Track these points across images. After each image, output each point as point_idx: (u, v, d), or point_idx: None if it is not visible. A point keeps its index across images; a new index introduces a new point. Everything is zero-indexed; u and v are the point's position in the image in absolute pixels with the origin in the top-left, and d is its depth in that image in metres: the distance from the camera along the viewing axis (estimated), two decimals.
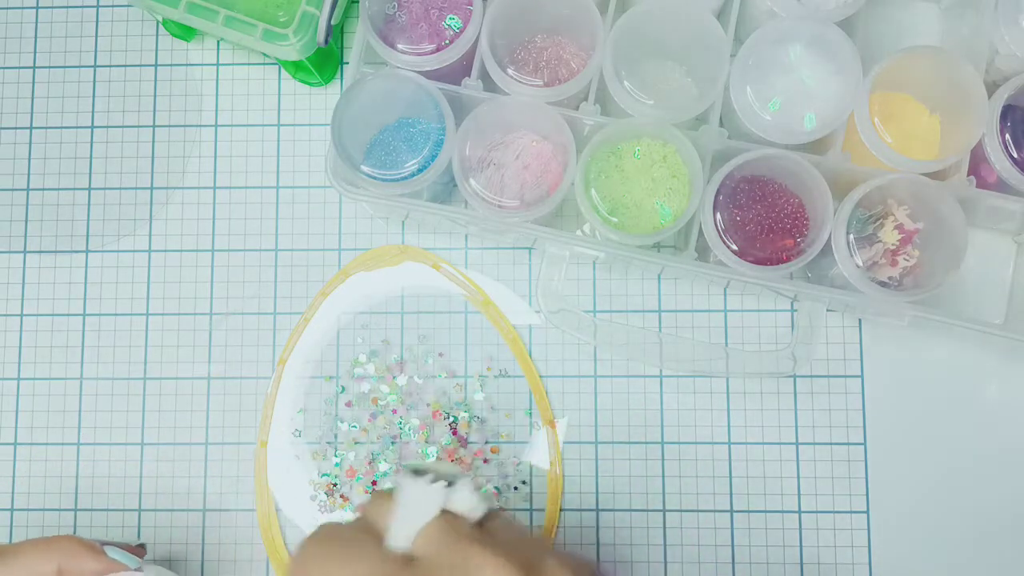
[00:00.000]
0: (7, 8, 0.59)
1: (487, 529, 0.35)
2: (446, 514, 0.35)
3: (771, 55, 0.50)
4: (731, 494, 0.53)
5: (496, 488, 0.53)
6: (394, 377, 0.54)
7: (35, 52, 0.59)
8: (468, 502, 0.35)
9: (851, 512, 0.53)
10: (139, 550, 0.47)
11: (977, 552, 0.53)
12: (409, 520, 0.35)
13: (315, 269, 0.56)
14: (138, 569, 0.45)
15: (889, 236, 0.49)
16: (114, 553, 0.44)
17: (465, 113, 0.50)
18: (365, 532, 0.35)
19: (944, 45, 0.55)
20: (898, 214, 0.49)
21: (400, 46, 0.50)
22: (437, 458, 0.53)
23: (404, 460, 0.54)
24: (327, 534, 0.35)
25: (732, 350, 0.52)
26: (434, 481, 0.35)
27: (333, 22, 0.51)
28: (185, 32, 0.57)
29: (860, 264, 0.49)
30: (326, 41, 0.51)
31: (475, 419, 0.54)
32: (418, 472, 0.35)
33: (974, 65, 0.49)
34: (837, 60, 0.49)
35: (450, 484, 0.35)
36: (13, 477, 0.55)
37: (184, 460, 0.55)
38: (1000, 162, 0.49)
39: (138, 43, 0.58)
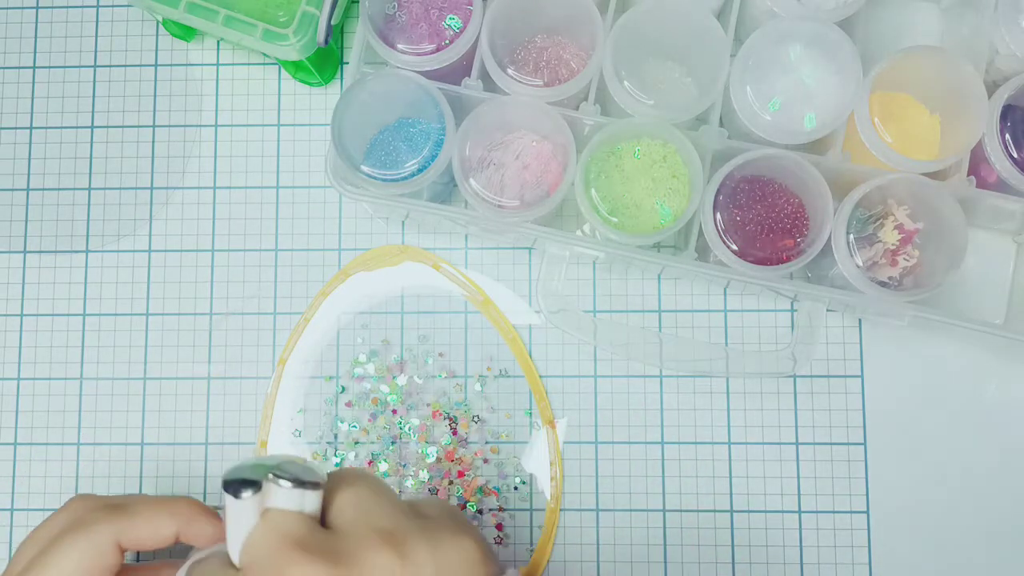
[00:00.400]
0: (7, 8, 0.59)
1: (331, 522, 0.33)
2: (272, 515, 0.33)
3: (771, 55, 0.50)
4: (731, 494, 0.53)
5: (496, 488, 0.53)
6: (394, 377, 0.55)
7: (35, 52, 0.59)
8: (288, 500, 0.33)
9: (851, 512, 0.53)
10: None
11: (977, 552, 0.53)
12: (235, 537, 0.33)
13: (315, 269, 0.56)
14: None
15: (889, 236, 0.49)
16: None
17: (465, 113, 0.50)
18: (223, 562, 0.34)
19: (944, 45, 0.55)
20: (898, 214, 0.49)
21: (400, 46, 0.50)
22: (437, 458, 0.53)
23: (404, 460, 0.54)
24: (200, 563, 0.35)
25: (732, 350, 0.52)
26: (237, 495, 0.32)
27: (333, 22, 0.51)
28: (185, 32, 0.57)
29: (860, 264, 0.49)
30: (326, 41, 0.52)
31: (475, 419, 0.54)
32: (228, 483, 0.33)
33: (974, 65, 0.49)
34: (837, 60, 0.49)
35: (258, 489, 0.32)
36: (13, 477, 0.55)
37: (184, 460, 0.55)
38: (1000, 162, 0.49)
39: (138, 43, 0.58)
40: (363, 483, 0.35)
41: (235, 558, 0.33)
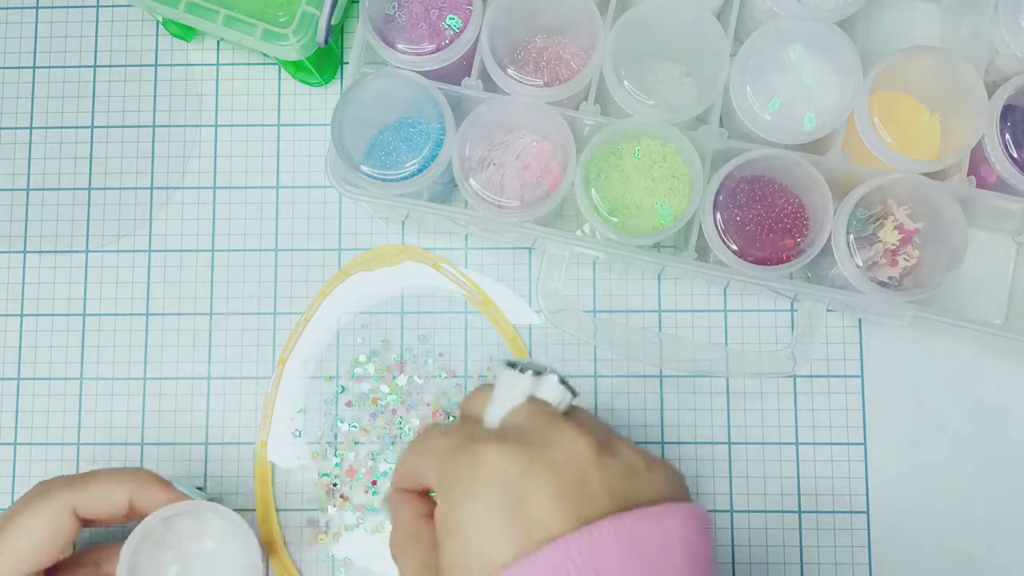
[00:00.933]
0: (7, 8, 0.59)
1: (572, 416, 0.38)
2: (534, 401, 0.38)
3: (771, 55, 0.50)
4: (731, 494, 0.53)
5: None
6: (394, 377, 0.55)
7: (35, 52, 0.59)
8: (554, 392, 0.39)
9: (851, 512, 0.53)
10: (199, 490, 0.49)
11: (977, 552, 0.53)
12: (501, 405, 0.38)
13: (315, 269, 0.56)
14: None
15: (889, 236, 0.49)
16: (181, 487, 0.46)
17: (465, 113, 0.50)
18: (463, 419, 0.40)
19: (944, 45, 0.55)
20: (898, 214, 0.49)
21: (400, 46, 0.50)
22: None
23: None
24: (432, 426, 0.40)
25: (732, 350, 0.52)
26: (523, 371, 0.38)
27: (333, 22, 0.51)
28: (185, 32, 0.57)
29: (860, 264, 0.49)
30: (326, 41, 0.52)
31: None
32: (511, 364, 0.39)
33: (974, 65, 0.49)
34: (837, 60, 0.49)
35: (538, 374, 0.38)
36: (13, 477, 0.55)
37: (184, 460, 0.55)
38: (1000, 162, 0.49)
39: (138, 43, 0.58)
40: (584, 408, 0.41)
41: (494, 423, 0.38)
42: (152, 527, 0.45)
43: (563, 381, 0.39)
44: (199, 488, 0.51)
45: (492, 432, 0.37)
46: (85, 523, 0.46)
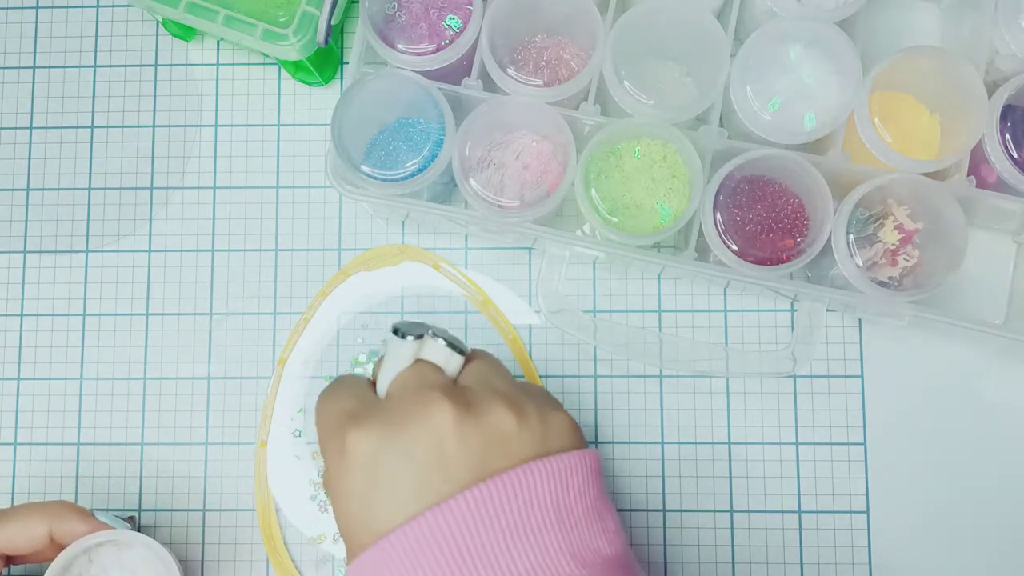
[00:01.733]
0: (7, 8, 0.59)
1: (459, 382, 0.39)
2: (421, 364, 0.39)
3: (771, 55, 0.50)
4: (731, 494, 0.53)
5: None
6: None
7: (35, 52, 0.59)
8: (440, 354, 0.39)
9: (851, 512, 0.53)
10: (130, 521, 0.49)
11: (977, 552, 0.53)
12: (388, 370, 0.39)
13: (315, 269, 0.56)
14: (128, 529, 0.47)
15: (889, 236, 0.49)
16: (103, 517, 0.46)
17: (465, 113, 0.50)
18: (367, 383, 0.40)
19: (944, 45, 0.55)
20: (898, 214, 0.49)
21: (400, 46, 0.50)
22: None
23: None
24: (342, 377, 0.41)
25: (732, 350, 0.52)
26: (404, 336, 0.38)
27: (333, 22, 0.51)
28: (185, 32, 0.57)
29: (860, 264, 0.49)
30: (326, 41, 0.52)
31: None
32: (395, 329, 0.39)
33: (974, 65, 0.49)
34: (837, 60, 0.49)
35: (420, 337, 0.39)
36: (13, 477, 0.55)
37: (184, 460, 0.55)
38: (1000, 162, 0.49)
39: (138, 43, 0.58)
40: (488, 359, 0.41)
41: (382, 390, 0.39)
42: (72, 557, 0.45)
43: (449, 343, 0.39)
44: (127, 518, 0.50)
45: (365, 411, 0.37)
46: (8, 560, 0.45)
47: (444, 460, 0.35)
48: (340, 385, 0.40)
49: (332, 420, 0.38)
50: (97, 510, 0.47)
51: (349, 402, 0.39)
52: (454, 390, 0.38)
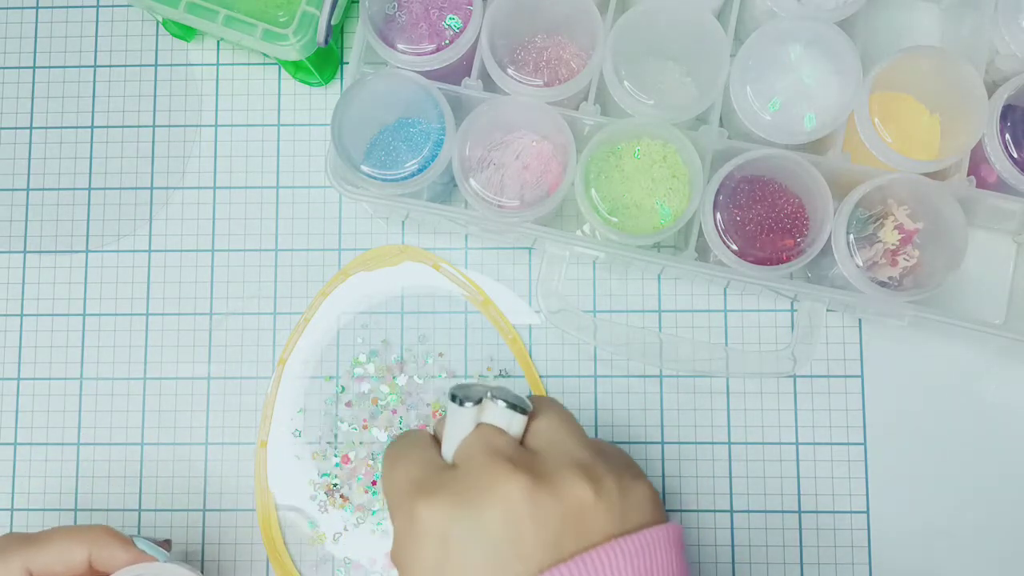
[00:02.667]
0: (7, 8, 0.59)
1: (527, 443, 0.38)
2: (484, 428, 0.37)
3: (771, 55, 0.50)
4: (731, 494, 0.53)
5: None
6: (394, 377, 0.55)
7: (35, 52, 0.59)
8: (501, 417, 0.38)
9: (851, 512, 0.53)
10: (165, 545, 0.48)
11: (977, 552, 0.53)
12: (451, 437, 0.38)
13: (315, 269, 0.56)
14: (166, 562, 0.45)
15: (889, 236, 0.49)
16: (142, 544, 0.45)
17: (465, 113, 0.50)
18: (433, 441, 0.39)
19: (944, 45, 0.55)
20: (898, 214, 0.49)
21: (400, 46, 0.50)
22: None
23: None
24: (407, 435, 0.40)
25: (732, 350, 0.52)
26: (462, 403, 0.38)
27: (333, 22, 0.51)
28: (185, 32, 0.57)
29: (860, 264, 0.49)
30: (326, 41, 0.52)
31: None
32: (453, 395, 0.38)
33: (974, 65, 0.49)
34: (837, 60, 0.49)
35: (478, 402, 0.38)
36: (13, 477, 0.55)
37: (184, 460, 0.55)
38: (1000, 162, 0.49)
39: (138, 43, 0.58)
40: (557, 414, 0.39)
41: (448, 456, 0.38)
42: None
43: (510, 404, 0.37)
44: (163, 542, 0.49)
45: (433, 480, 0.36)
46: None
47: (518, 537, 0.34)
48: (407, 446, 0.39)
49: (401, 489, 0.37)
50: (135, 537, 0.45)
51: (417, 469, 0.37)
52: (524, 457, 0.36)
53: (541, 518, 0.34)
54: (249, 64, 0.58)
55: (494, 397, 0.38)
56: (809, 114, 0.49)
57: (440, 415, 0.54)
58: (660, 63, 0.53)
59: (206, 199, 0.57)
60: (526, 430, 0.38)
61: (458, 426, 0.38)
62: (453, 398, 0.38)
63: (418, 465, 0.38)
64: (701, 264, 0.50)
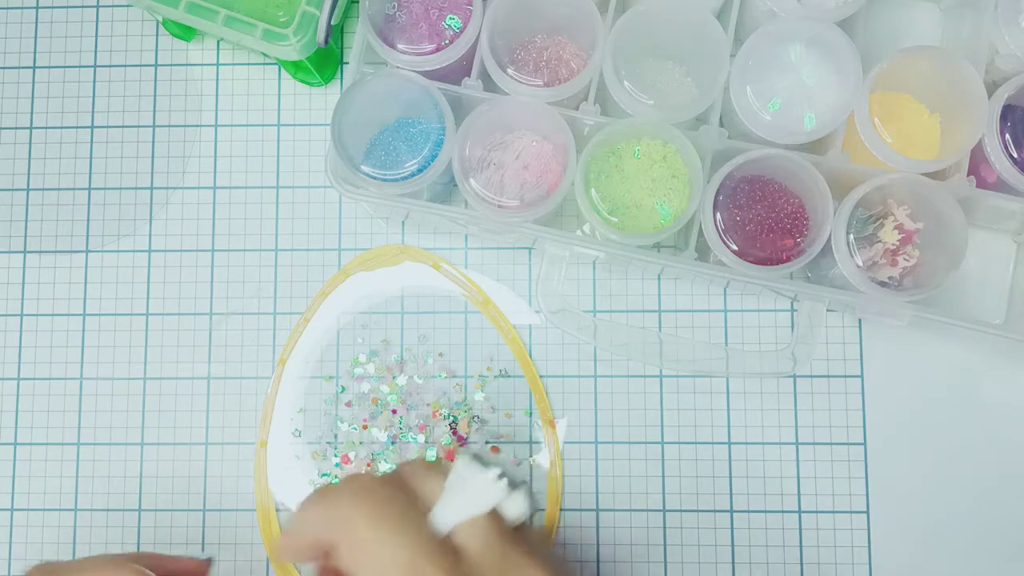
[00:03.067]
0: (7, 8, 0.59)
1: (525, 536, 0.35)
2: (493, 516, 0.34)
3: (771, 55, 0.50)
4: (731, 494, 0.53)
5: None
6: (394, 377, 0.55)
7: (35, 52, 0.59)
8: (520, 508, 0.35)
9: (851, 512, 0.53)
10: (206, 563, 0.45)
11: (977, 552, 0.53)
12: (459, 507, 0.34)
13: (315, 269, 0.56)
14: None
15: (889, 236, 0.49)
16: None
17: (465, 113, 0.50)
18: (410, 503, 0.34)
19: (944, 45, 0.55)
20: (898, 214, 0.49)
21: (400, 46, 0.50)
22: (438, 459, 0.53)
23: (405, 458, 0.53)
24: (369, 491, 0.34)
25: (732, 350, 0.52)
26: (500, 478, 0.34)
27: (333, 22, 0.51)
28: (185, 32, 0.57)
29: (860, 264, 0.49)
30: (326, 41, 0.51)
31: (475, 419, 0.54)
32: (481, 460, 0.34)
33: (974, 65, 0.49)
34: (837, 60, 0.49)
35: (514, 487, 0.34)
36: (13, 477, 0.55)
37: (184, 460, 0.55)
38: (1000, 162, 0.49)
39: (138, 43, 0.58)
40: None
41: (443, 526, 0.34)
42: None
43: (531, 494, 0.35)
44: (208, 559, 0.46)
45: (436, 560, 0.32)
46: None
47: None
48: (376, 500, 0.33)
49: (374, 550, 0.32)
50: (173, 557, 0.43)
51: (404, 539, 0.32)
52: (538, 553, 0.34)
53: None
54: (249, 64, 0.58)
55: (527, 494, 0.35)
56: (809, 114, 0.49)
57: (441, 415, 0.54)
58: (660, 63, 0.53)
59: (206, 199, 0.57)
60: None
61: (470, 500, 0.34)
62: (476, 461, 0.34)
63: (409, 538, 0.33)
64: (701, 264, 0.50)
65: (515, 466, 0.35)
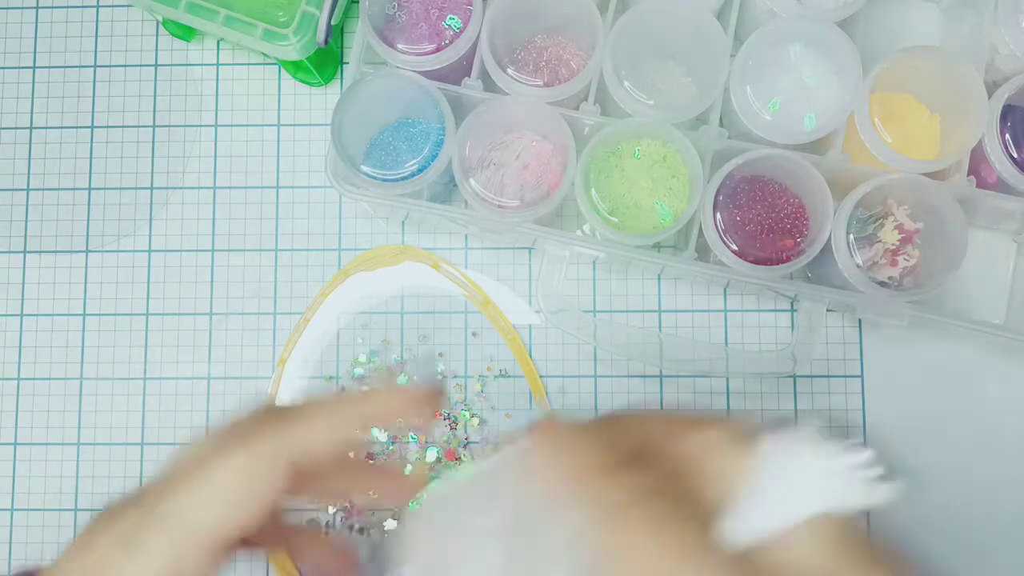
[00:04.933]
0: (7, 8, 0.59)
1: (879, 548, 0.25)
2: (830, 519, 0.24)
3: (771, 55, 0.50)
4: None
5: None
6: (394, 377, 0.55)
7: (35, 52, 0.59)
8: (879, 501, 0.24)
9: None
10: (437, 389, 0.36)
11: (977, 552, 0.53)
12: (786, 503, 0.23)
13: (315, 269, 0.56)
14: None
15: (889, 236, 0.49)
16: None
17: (465, 113, 0.50)
18: (680, 500, 0.23)
19: (944, 45, 0.55)
20: (898, 214, 0.49)
21: (400, 46, 0.50)
22: (437, 458, 0.53)
23: (404, 461, 0.53)
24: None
25: (732, 350, 0.52)
26: (871, 465, 0.22)
27: (333, 22, 0.51)
28: (185, 32, 0.57)
29: (860, 264, 0.49)
30: (326, 41, 0.51)
31: (475, 419, 0.54)
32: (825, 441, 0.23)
33: (974, 65, 0.49)
34: (837, 60, 0.49)
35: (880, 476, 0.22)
36: (13, 477, 0.55)
37: None
38: (1000, 162, 0.49)
39: (138, 43, 0.58)
40: None
41: (752, 531, 0.23)
42: None
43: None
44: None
45: None
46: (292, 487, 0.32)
47: None
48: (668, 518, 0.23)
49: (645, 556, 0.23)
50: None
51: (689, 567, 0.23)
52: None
53: None
54: (249, 64, 0.58)
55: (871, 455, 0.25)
56: (809, 114, 0.49)
57: (441, 415, 0.53)
58: (660, 63, 0.53)
59: (206, 199, 0.57)
60: None
61: (816, 490, 0.24)
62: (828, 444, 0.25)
63: (695, 561, 0.23)
64: (701, 264, 0.50)
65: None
